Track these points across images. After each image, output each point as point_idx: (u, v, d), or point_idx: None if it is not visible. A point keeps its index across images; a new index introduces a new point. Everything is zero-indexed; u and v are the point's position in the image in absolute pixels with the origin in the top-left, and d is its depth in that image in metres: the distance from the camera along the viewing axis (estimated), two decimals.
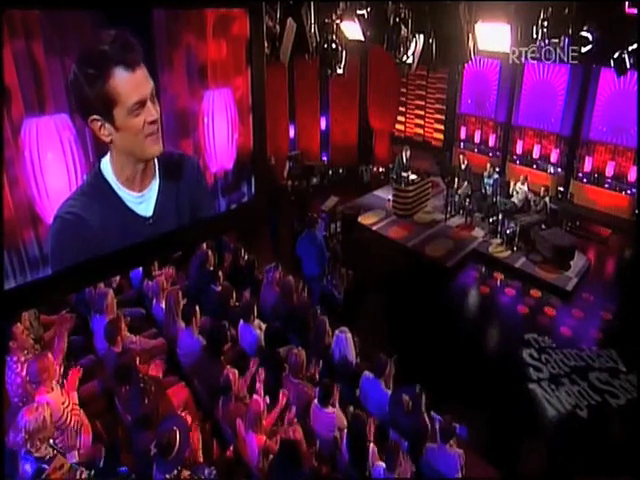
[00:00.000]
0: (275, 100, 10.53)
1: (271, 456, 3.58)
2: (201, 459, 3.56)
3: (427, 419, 4.09)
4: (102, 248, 3.41)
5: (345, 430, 3.90)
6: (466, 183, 10.17)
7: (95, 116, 3.16)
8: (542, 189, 9.13)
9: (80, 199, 3.23)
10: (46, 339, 4.52)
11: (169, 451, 3.06)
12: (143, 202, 3.57)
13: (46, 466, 2.97)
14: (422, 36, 6.29)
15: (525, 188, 9.55)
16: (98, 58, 3.09)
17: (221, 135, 4.00)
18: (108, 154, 3.33)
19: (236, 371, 4.10)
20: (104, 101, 3.16)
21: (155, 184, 3.62)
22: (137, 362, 4.01)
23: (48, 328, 4.68)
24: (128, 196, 3.47)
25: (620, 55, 5.34)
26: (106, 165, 3.33)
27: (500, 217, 9.19)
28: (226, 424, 3.96)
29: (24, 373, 3.64)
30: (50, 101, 2.96)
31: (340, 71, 7.66)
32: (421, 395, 4.14)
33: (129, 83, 3.25)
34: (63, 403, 3.51)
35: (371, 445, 3.73)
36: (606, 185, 9.79)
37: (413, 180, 10.18)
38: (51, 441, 3.15)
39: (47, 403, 3.23)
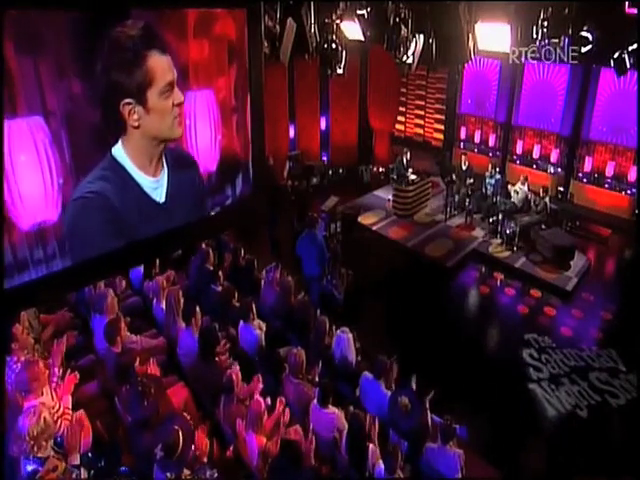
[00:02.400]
0: (275, 100, 10.53)
1: (271, 457, 3.58)
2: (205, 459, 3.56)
3: (428, 418, 4.09)
4: (124, 231, 3.46)
5: (345, 430, 3.90)
6: (467, 183, 10.18)
7: (128, 100, 3.23)
8: (541, 189, 9.13)
9: (98, 183, 3.25)
10: (43, 338, 4.53)
11: (173, 451, 3.07)
12: (158, 187, 3.63)
13: (42, 468, 2.97)
14: (422, 36, 6.28)
15: (525, 188, 9.55)
16: (135, 42, 3.21)
17: (203, 137, 3.95)
18: (119, 143, 3.35)
19: (239, 371, 4.10)
20: (140, 83, 3.26)
21: (165, 170, 3.67)
22: (137, 362, 4.01)
23: (46, 327, 4.69)
24: (145, 181, 3.53)
25: (620, 55, 5.34)
26: (120, 152, 3.35)
27: (500, 217, 9.19)
28: (227, 424, 3.96)
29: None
30: (22, 103, 2.88)
31: (340, 71, 7.65)
32: (420, 393, 4.14)
33: (163, 65, 3.39)
34: (53, 407, 3.48)
35: (371, 445, 3.73)
36: (606, 185, 9.79)
37: (413, 180, 10.19)
38: (51, 442, 3.15)
39: (42, 403, 3.23)
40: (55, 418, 3.38)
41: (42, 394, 3.49)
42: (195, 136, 3.88)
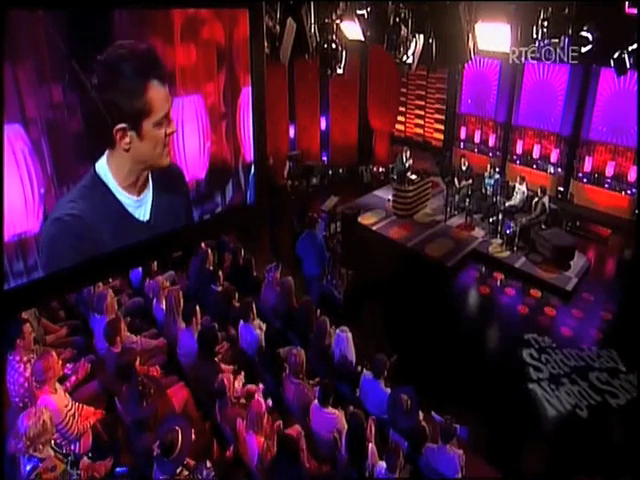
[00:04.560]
0: (275, 100, 10.53)
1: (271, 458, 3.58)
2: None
3: (423, 420, 4.09)
4: (101, 251, 3.41)
5: (345, 430, 3.90)
6: (466, 183, 10.18)
7: (123, 125, 3.25)
8: (539, 189, 9.12)
9: (79, 202, 3.20)
10: (47, 341, 4.54)
11: (171, 451, 3.07)
12: (141, 206, 3.59)
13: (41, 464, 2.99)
14: (422, 36, 6.28)
15: (523, 188, 9.55)
16: (139, 70, 3.25)
17: (192, 144, 3.90)
18: (104, 159, 3.29)
19: (231, 375, 4.11)
20: (138, 111, 3.31)
21: (150, 189, 3.63)
22: (137, 362, 4.01)
23: (48, 332, 4.70)
24: (128, 200, 3.49)
25: (620, 55, 5.33)
26: (103, 169, 3.30)
27: (500, 217, 9.19)
28: (224, 426, 3.95)
29: (27, 373, 3.65)
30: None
31: (340, 71, 7.65)
32: (420, 393, 4.15)
33: (162, 96, 3.45)
34: (66, 406, 3.52)
35: (370, 445, 3.72)
36: (606, 185, 9.78)
37: (413, 180, 10.19)
38: (52, 442, 3.15)
39: (46, 406, 3.24)
40: (67, 418, 3.42)
41: (55, 391, 3.51)
42: (183, 143, 3.83)
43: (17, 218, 2.99)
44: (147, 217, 3.63)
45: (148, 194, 3.62)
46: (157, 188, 3.65)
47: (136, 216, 3.57)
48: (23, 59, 2.84)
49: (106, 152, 3.31)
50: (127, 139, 3.28)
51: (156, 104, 3.41)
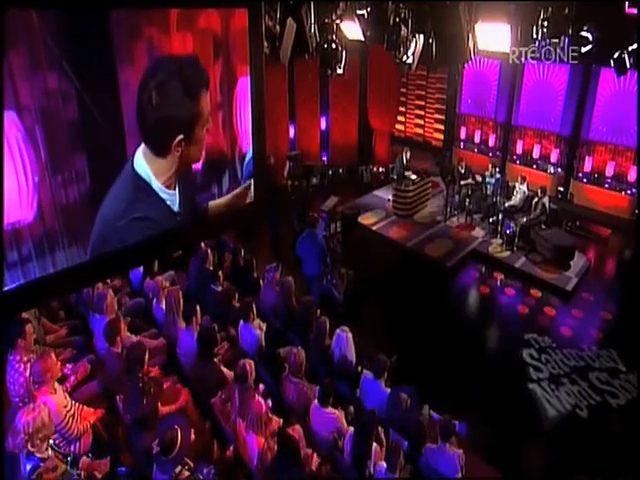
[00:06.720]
0: (275, 100, 10.53)
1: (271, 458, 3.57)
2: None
3: (422, 419, 4.09)
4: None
5: (345, 431, 3.89)
6: (463, 184, 10.19)
7: (180, 136, 3.57)
8: (539, 189, 9.12)
9: (136, 206, 3.57)
10: (47, 341, 4.54)
11: (171, 449, 3.07)
12: (174, 199, 3.92)
13: (42, 464, 2.99)
14: (422, 36, 6.28)
15: (524, 188, 9.55)
16: (196, 84, 3.60)
17: None
18: (143, 161, 3.48)
19: (252, 362, 4.08)
20: (193, 120, 3.65)
21: (177, 182, 3.93)
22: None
23: (48, 332, 4.70)
24: (167, 195, 3.82)
25: (620, 55, 5.34)
26: (144, 170, 3.53)
27: (500, 217, 9.19)
28: (240, 415, 3.91)
29: (27, 373, 3.65)
30: None
31: (340, 71, 7.66)
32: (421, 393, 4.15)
33: (206, 100, 3.77)
34: (65, 407, 3.51)
35: (374, 445, 3.72)
36: (606, 185, 9.79)
37: (413, 180, 10.19)
38: (51, 441, 3.15)
39: (45, 403, 3.24)
40: (67, 418, 3.42)
41: (55, 391, 3.51)
42: None
43: (11, 207, 2.94)
44: (178, 208, 3.96)
45: (177, 187, 3.92)
46: (180, 181, 3.92)
47: (173, 208, 3.91)
48: (17, 46, 2.82)
49: (147, 154, 3.54)
50: (180, 148, 3.60)
51: (204, 108, 3.72)
